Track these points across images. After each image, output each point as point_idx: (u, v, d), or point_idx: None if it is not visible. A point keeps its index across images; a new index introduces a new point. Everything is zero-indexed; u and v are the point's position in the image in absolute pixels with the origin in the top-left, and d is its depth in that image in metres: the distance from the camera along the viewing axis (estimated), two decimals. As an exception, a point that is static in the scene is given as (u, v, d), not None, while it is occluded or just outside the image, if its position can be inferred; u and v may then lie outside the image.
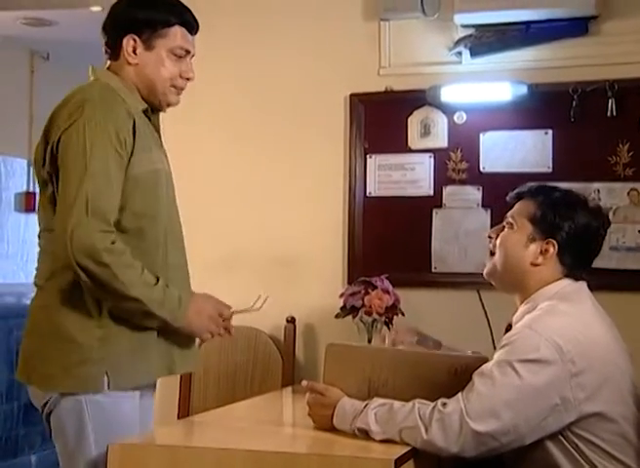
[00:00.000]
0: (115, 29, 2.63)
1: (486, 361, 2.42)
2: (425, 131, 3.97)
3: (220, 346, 3.92)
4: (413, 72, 4.00)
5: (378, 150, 4.03)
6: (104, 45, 2.67)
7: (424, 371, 2.49)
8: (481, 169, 3.91)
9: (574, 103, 3.75)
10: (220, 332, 2.66)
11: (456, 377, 2.43)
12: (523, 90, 3.80)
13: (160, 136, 2.71)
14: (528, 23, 3.81)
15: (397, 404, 2.38)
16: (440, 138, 3.96)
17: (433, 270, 3.93)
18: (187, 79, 2.68)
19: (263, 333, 4.01)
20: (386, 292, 3.55)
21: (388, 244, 4.00)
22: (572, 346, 2.36)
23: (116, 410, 2.52)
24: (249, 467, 2.27)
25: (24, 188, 5.84)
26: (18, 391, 5.38)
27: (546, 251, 2.55)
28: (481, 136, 3.91)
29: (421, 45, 4.00)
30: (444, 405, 2.33)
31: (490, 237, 2.68)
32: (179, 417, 3.88)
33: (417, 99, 3.95)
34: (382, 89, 4.02)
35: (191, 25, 2.69)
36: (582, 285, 2.59)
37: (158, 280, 2.51)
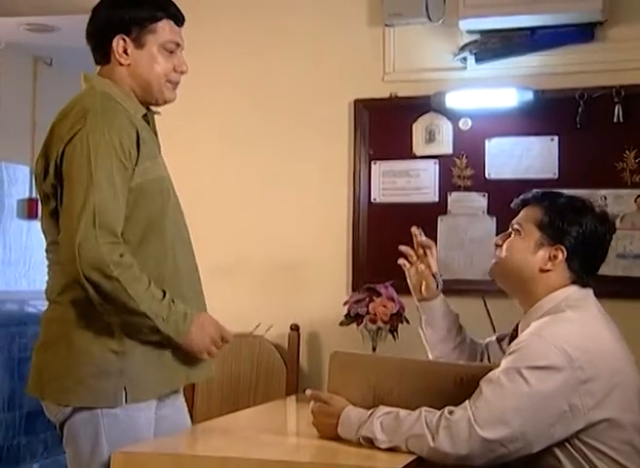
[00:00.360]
0: (102, 32, 2.59)
1: (491, 369, 2.41)
2: (430, 137, 3.95)
3: (223, 354, 3.89)
4: (417, 78, 3.99)
5: (382, 156, 4.02)
6: (92, 51, 2.64)
7: (430, 380, 2.48)
8: (486, 175, 3.89)
9: (580, 109, 3.73)
10: (216, 353, 2.63)
11: (461, 386, 2.42)
12: (529, 96, 3.79)
13: (158, 140, 2.69)
14: (533, 29, 3.81)
15: (403, 412, 2.37)
16: (445, 145, 3.94)
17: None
18: (182, 72, 2.65)
19: (267, 341, 3.99)
20: (391, 299, 3.52)
21: (393, 251, 3.94)
22: (580, 353, 2.35)
23: (132, 422, 2.50)
24: (253, 476, 2.26)
25: (27, 195, 5.82)
26: (20, 400, 5.37)
27: (555, 256, 2.54)
28: (486, 142, 3.89)
29: (426, 51, 4.00)
30: (451, 412, 2.32)
31: (497, 245, 2.67)
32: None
33: (421, 105, 3.94)
34: (387, 95, 4.00)
35: (178, 18, 2.66)
36: (589, 292, 2.58)
37: (165, 294, 2.48)
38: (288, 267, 4.11)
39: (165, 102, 2.67)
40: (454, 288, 3.82)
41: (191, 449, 2.62)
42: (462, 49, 3.91)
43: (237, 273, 4.15)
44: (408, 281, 2.94)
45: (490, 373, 2.37)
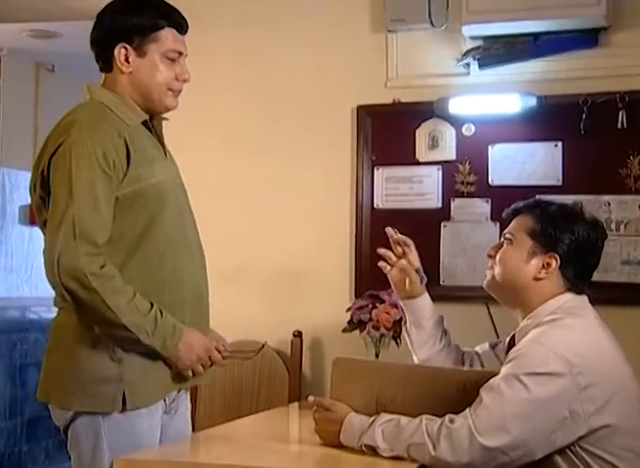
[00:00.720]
0: (105, 40, 2.59)
1: (494, 375, 2.40)
2: (433, 143, 3.94)
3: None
4: (420, 84, 3.98)
5: (385, 162, 4.01)
6: (96, 58, 2.64)
7: (433, 387, 2.46)
8: (490, 181, 3.88)
9: (584, 115, 3.72)
10: (201, 373, 2.61)
11: (465, 393, 2.40)
12: (532, 102, 3.78)
13: (164, 146, 2.68)
14: (537, 35, 3.80)
15: (404, 420, 2.36)
16: (448, 151, 3.93)
17: (441, 284, 3.90)
18: (184, 81, 2.65)
19: (270, 348, 3.98)
20: (394, 305, 3.50)
21: (396, 257, 3.96)
22: (580, 360, 2.34)
23: (133, 429, 2.50)
24: (255, 484, 2.25)
25: (29, 201, 5.81)
26: (21, 407, 5.36)
27: (549, 264, 2.54)
28: (490, 148, 3.88)
29: (429, 56, 3.99)
30: (452, 421, 2.31)
31: (489, 255, 2.67)
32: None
33: (424, 111, 3.93)
34: (390, 101, 4.00)
35: (181, 26, 2.65)
36: (584, 299, 2.58)
37: (152, 307, 2.48)
38: (290, 274, 4.10)
39: (167, 110, 2.67)
40: (457, 294, 3.83)
41: (194, 457, 2.62)
42: (465, 55, 3.90)
43: (240, 280, 4.14)
44: (391, 282, 2.89)
45: (490, 381, 2.36)
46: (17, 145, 5.77)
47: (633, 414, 2.43)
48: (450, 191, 3.93)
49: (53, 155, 2.46)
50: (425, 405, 2.41)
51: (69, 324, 2.51)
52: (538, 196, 3.68)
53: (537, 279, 2.54)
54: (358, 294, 3.88)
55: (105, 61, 2.61)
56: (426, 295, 2.90)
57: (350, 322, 3.65)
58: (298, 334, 3.99)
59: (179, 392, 2.66)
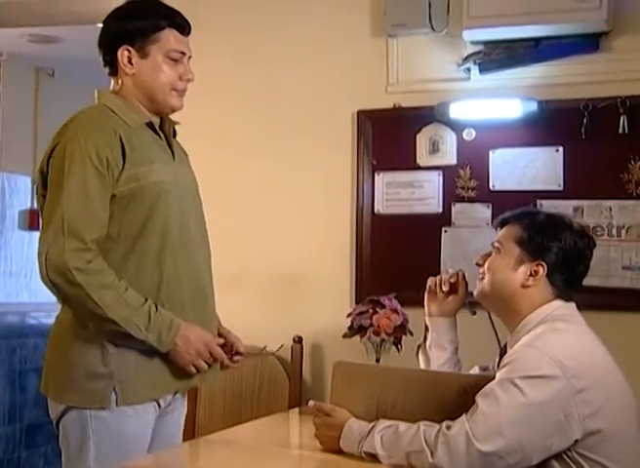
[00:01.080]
0: (109, 44, 2.66)
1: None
2: (434, 148, 3.93)
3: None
4: (421, 89, 3.98)
5: (386, 167, 4.00)
6: (103, 62, 2.70)
7: (433, 391, 2.46)
8: (491, 187, 3.87)
9: (585, 120, 3.71)
10: (204, 368, 2.62)
11: (465, 397, 2.39)
12: (533, 106, 3.77)
13: (172, 147, 2.71)
14: (538, 40, 3.79)
15: (403, 426, 2.35)
16: (449, 156, 3.92)
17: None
18: (188, 80, 2.69)
19: (270, 353, 3.97)
20: (395, 311, 3.49)
21: (397, 262, 3.96)
22: (575, 363, 2.34)
23: (120, 428, 2.52)
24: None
25: (28, 206, 5.82)
26: (20, 413, 5.35)
27: (536, 272, 2.56)
28: (490, 153, 3.87)
29: (430, 61, 3.98)
30: (449, 427, 2.31)
31: (478, 264, 2.70)
32: (184, 437, 3.83)
33: (425, 116, 3.92)
34: (390, 105, 3.99)
35: (182, 26, 2.70)
36: (573, 306, 2.59)
37: (146, 301, 2.50)
38: (291, 279, 4.10)
39: (173, 111, 2.72)
40: (458, 300, 3.81)
41: (194, 463, 2.62)
42: (466, 59, 3.89)
43: (240, 284, 4.13)
44: (428, 298, 3.06)
45: (485, 387, 2.36)
46: (16, 150, 5.77)
47: (628, 419, 2.43)
48: (450, 196, 3.92)
49: (50, 155, 2.52)
50: (426, 409, 2.40)
51: (66, 320, 2.55)
52: (539, 201, 3.74)
53: (524, 286, 2.56)
54: (359, 300, 3.86)
55: (111, 65, 2.67)
56: (455, 319, 3.00)
57: (351, 327, 3.63)
58: (298, 340, 3.98)
59: (175, 395, 2.65)
